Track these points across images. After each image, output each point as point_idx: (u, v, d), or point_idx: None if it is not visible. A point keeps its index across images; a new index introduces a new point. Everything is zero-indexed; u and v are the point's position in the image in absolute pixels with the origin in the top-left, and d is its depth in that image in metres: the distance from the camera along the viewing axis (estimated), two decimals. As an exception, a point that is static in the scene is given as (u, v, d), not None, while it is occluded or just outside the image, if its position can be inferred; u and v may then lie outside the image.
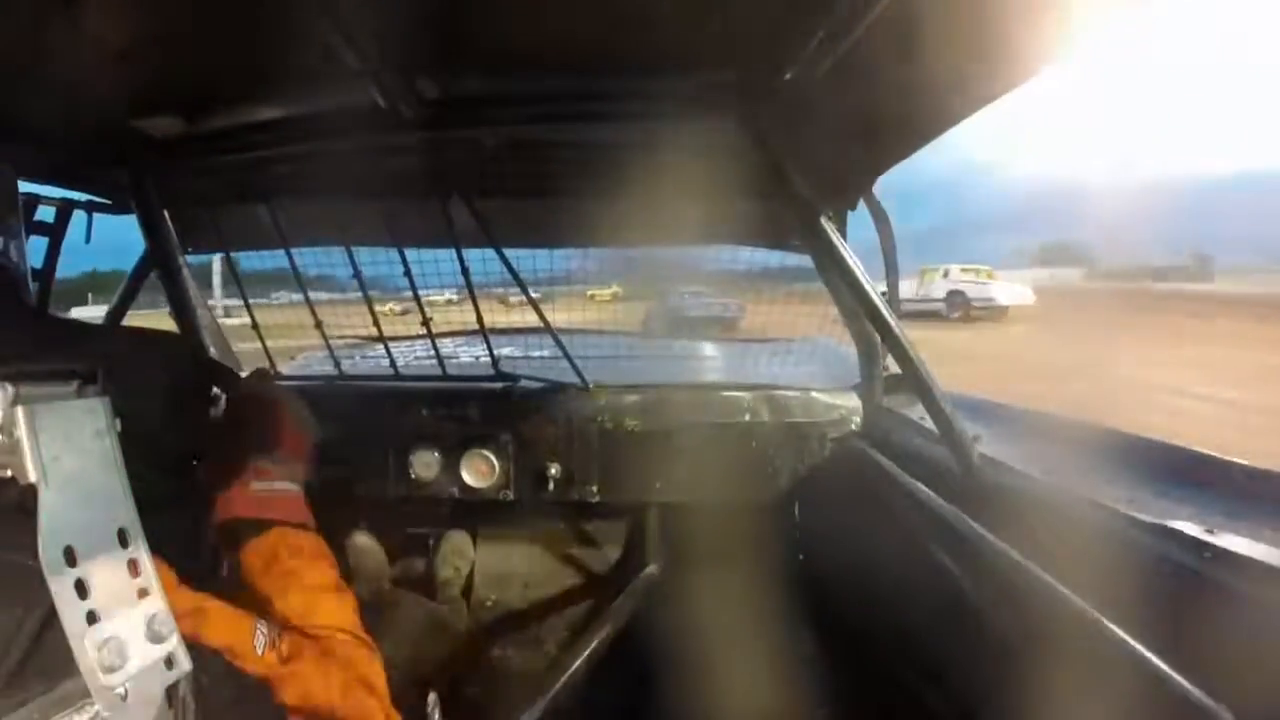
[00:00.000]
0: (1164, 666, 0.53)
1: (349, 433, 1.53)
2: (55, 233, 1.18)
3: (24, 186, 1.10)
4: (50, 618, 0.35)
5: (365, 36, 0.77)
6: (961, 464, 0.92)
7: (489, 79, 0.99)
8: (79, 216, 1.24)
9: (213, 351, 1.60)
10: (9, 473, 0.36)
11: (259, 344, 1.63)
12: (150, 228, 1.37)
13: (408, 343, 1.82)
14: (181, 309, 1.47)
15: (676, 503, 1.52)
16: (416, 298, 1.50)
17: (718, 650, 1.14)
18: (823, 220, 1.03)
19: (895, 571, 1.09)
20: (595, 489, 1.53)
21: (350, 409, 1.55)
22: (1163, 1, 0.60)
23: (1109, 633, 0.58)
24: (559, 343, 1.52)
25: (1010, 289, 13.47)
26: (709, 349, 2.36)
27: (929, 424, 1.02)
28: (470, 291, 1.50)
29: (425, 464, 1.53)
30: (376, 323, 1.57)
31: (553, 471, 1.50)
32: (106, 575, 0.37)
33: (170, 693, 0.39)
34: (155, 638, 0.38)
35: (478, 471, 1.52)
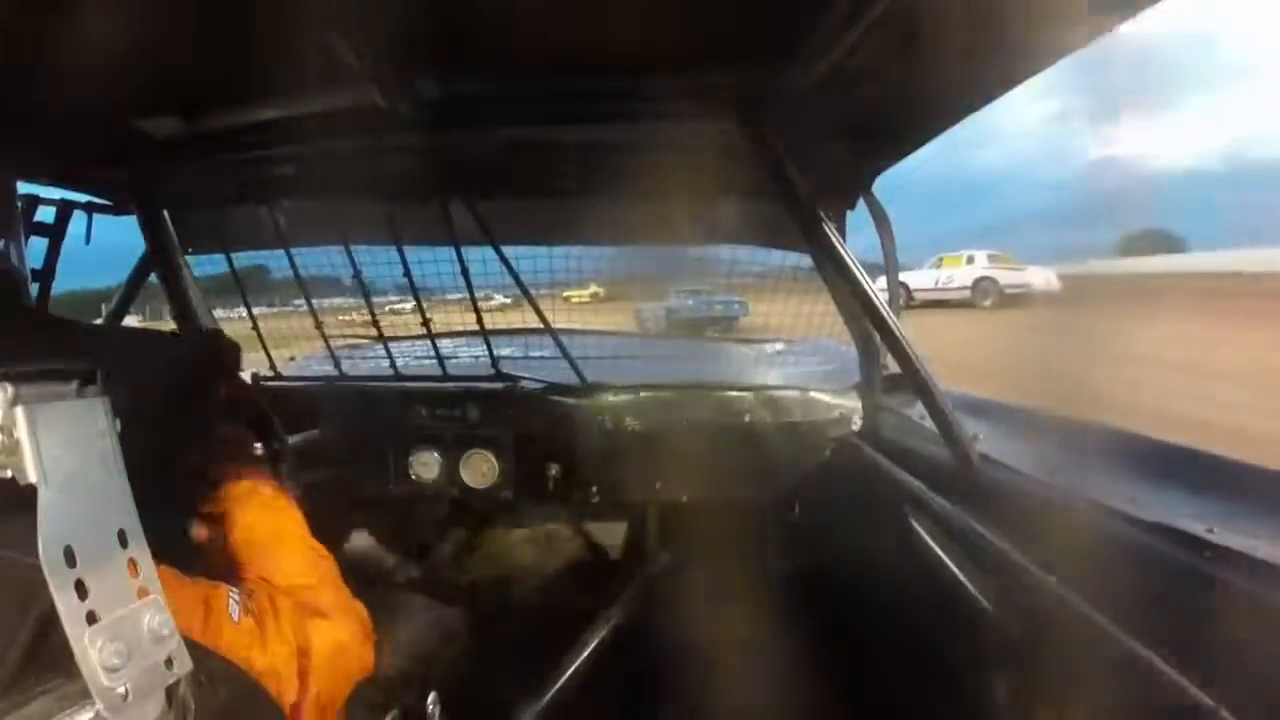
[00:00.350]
0: (1164, 666, 0.53)
1: (349, 433, 1.54)
2: (55, 233, 1.18)
3: (24, 187, 1.11)
4: (50, 617, 0.35)
5: (365, 36, 0.77)
6: (961, 463, 0.92)
7: (489, 79, 0.99)
8: (79, 217, 1.24)
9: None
10: (9, 473, 0.36)
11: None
12: (150, 228, 1.37)
13: (408, 343, 1.82)
14: (182, 310, 1.47)
15: (676, 503, 1.52)
16: (416, 298, 1.50)
17: (718, 650, 1.14)
18: (823, 220, 1.03)
19: (895, 571, 1.09)
20: (595, 489, 1.53)
21: (350, 409, 1.55)
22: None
23: (1109, 632, 0.58)
24: (559, 343, 1.52)
25: (1042, 274, 13.06)
26: (709, 349, 2.36)
27: (929, 424, 1.02)
28: (470, 291, 1.50)
29: (425, 464, 1.53)
30: (376, 323, 1.57)
31: (553, 471, 1.50)
32: (106, 575, 0.37)
33: (170, 693, 0.39)
34: (155, 638, 0.38)
35: (478, 472, 1.52)
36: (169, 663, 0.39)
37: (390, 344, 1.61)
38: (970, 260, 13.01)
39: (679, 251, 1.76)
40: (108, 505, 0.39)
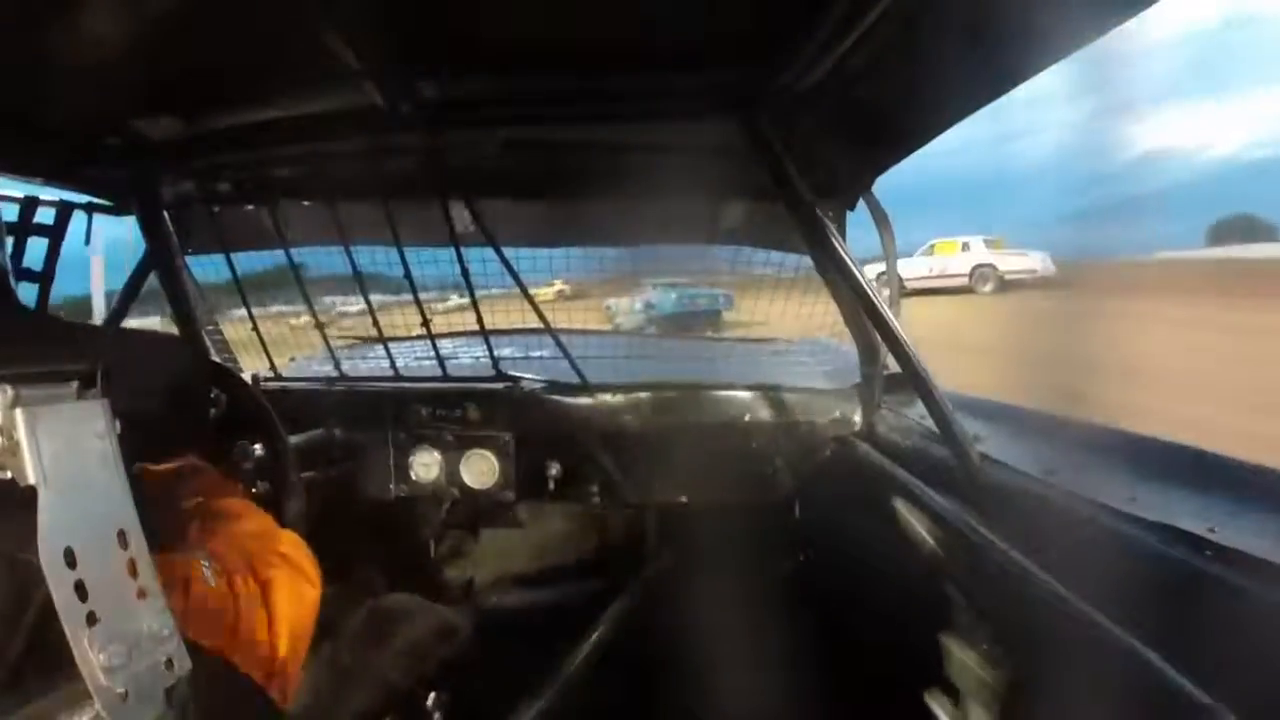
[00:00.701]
0: (1164, 666, 0.53)
1: (349, 433, 1.54)
2: (55, 234, 1.18)
3: (24, 187, 1.11)
4: (49, 618, 0.35)
5: (365, 36, 0.77)
6: (961, 463, 0.92)
7: (489, 79, 0.99)
8: (79, 217, 1.24)
9: (213, 353, 1.61)
10: (9, 474, 0.37)
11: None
12: (150, 228, 1.37)
13: (408, 343, 1.82)
14: (182, 310, 1.47)
15: (676, 503, 1.52)
16: (416, 298, 1.50)
17: (718, 650, 1.14)
18: (823, 220, 1.03)
19: (895, 571, 1.09)
20: (595, 489, 1.53)
21: (350, 409, 1.55)
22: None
23: (1109, 632, 0.58)
24: (559, 343, 1.52)
25: (1041, 259, 11.99)
26: (708, 349, 2.36)
27: (929, 423, 1.02)
28: (470, 291, 1.50)
29: (425, 464, 1.53)
30: (376, 323, 1.57)
31: (553, 471, 1.50)
32: (106, 576, 0.37)
33: (170, 693, 0.39)
34: (155, 638, 0.38)
35: (478, 472, 1.52)
36: (169, 663, 0.39)
37: (390, 344, 1.60)
38: (966, 247, 12.73)
39: (678, 251, 1.76)
40: (108, 506, 0.39)
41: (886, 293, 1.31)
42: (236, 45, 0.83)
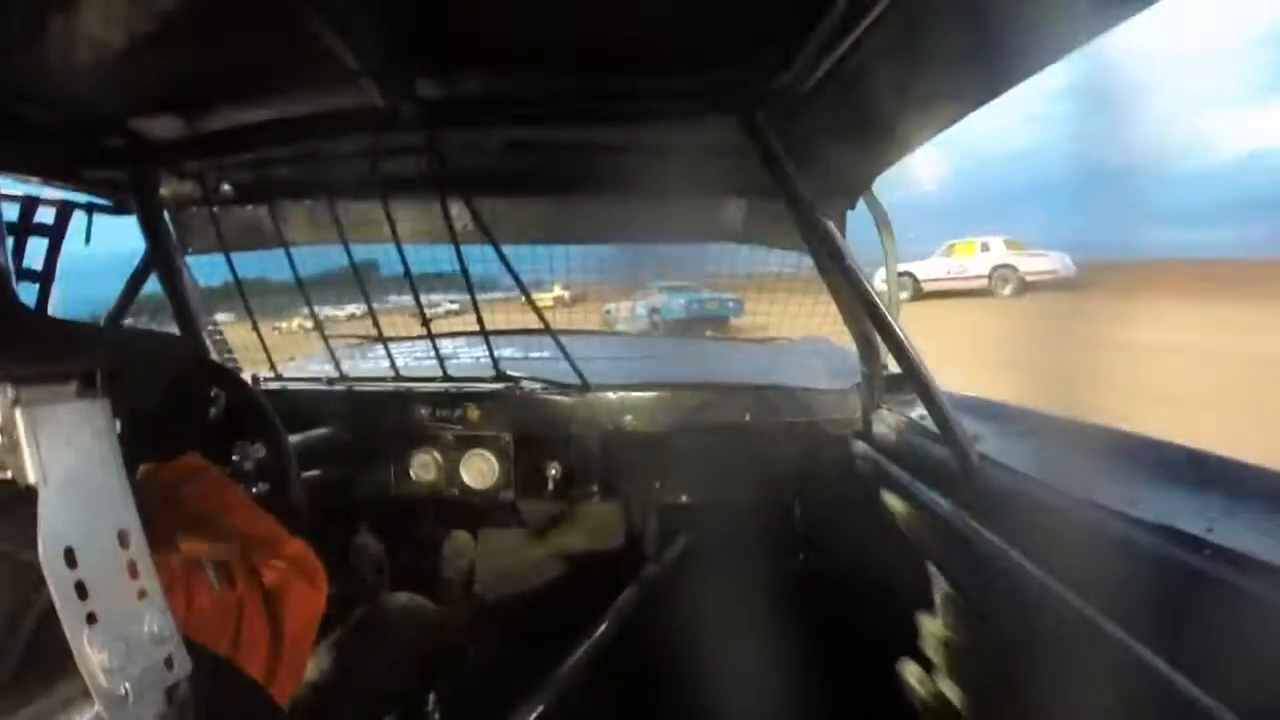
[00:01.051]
0: (1164, 666, 0.53)
1: (349, 433, 1.54)
2: (55, 234, 1.17)
3: (24, 187, 1.11)
4: (50, 618, 0.35)
5: (365, 37, 0.77)
6: (961, 463, 0.92)
7: (489, 79, 0.99)
8: (79, 217, 1.24)
9: (213, 353, 1.61)
10: (9, 473, 0.37)
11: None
12: (150, 228, 1.37)
13: (408, 343, 1.82)
14: (182, 310, 1.47)
15: (676, 503, 1.53)
16: (416, 298, 1.50)
17: (718, 650, 1.14)
18: (823, 220, 1.03)
19: (895, 571, 1.09)
20: (595, 489, 1.53)
21: (350, 410, 1.55)
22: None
23: (1109, 632, 0.58)
24: (559, 343, 1.52)
25: (1063, 259, 11.43)
26: (708, 349, 2.36)
27: (929, 423, 1.02)
28: (470, 291, 1.50)
29: (425, 465, 1.53)
30: (376, 323, 1.57)
31: (553, 472, 1.50)
32: (107, 577, 0.37)
33: (170, 693, 0.39)
34: (155, 639, 0.38)
35: (478, 472, 1.52)
36: (169, 663, 0.39)
37: (390, 344, 1.61)
38: (985, 247, 12.16)
39: (679, 251, 1.76)
40: (108, 506, 0.39)
41: (889, 289, 1.31)
42: (236, 45, 0.83)
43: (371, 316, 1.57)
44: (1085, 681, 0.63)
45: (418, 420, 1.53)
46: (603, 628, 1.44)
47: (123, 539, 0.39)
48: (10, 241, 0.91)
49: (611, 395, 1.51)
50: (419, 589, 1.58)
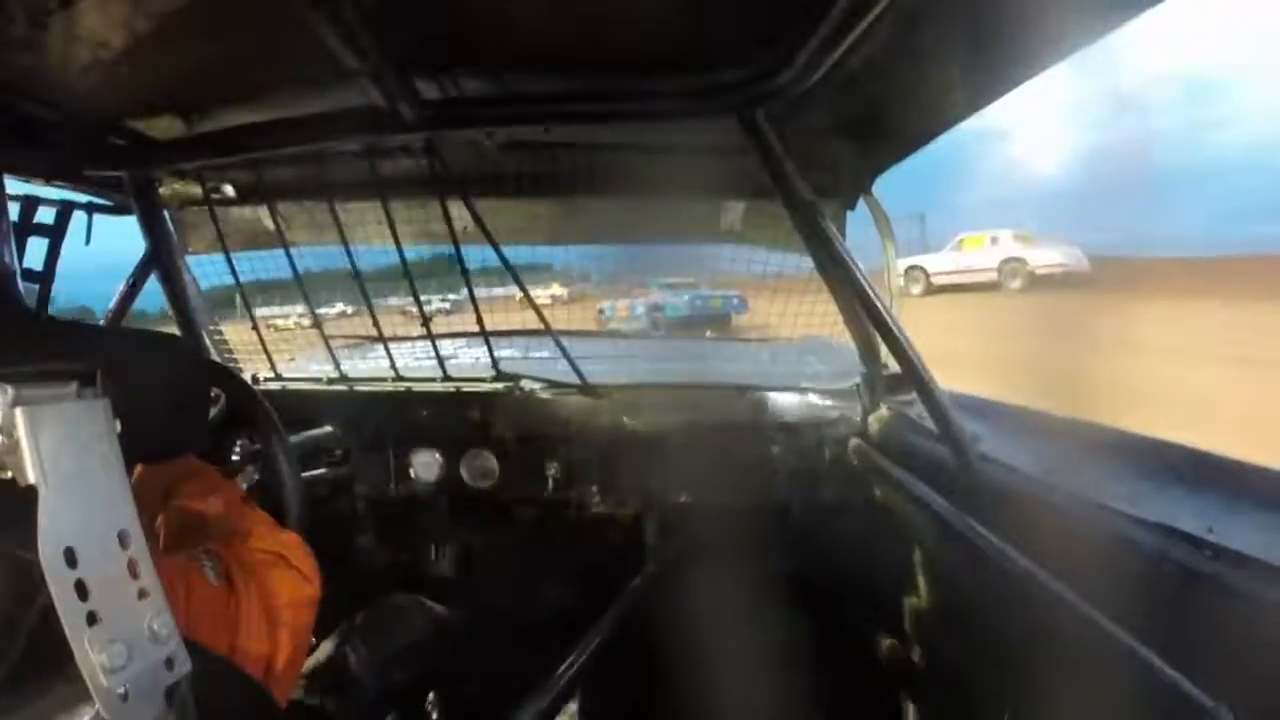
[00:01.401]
0: (1164, 666, 0.53)
1: (349, 433, 1.54)
2: (55, 234, 1.18)
3: (24, 187, 1.11)
4: (50, 618, 0.35)
5: (365, 37, 0.77)
6: (961, 463, 0.92)
7: (489, 79, 0.99)
8: (79, 217, 1.24)
9: (212, 353, 1.61)
10: (9, 474, 0.37)
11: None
12: (150, 229, 1.37)
13: (408, 343, 1.82)
14: (181, 310, 1.47)
15: (676, 503, 1.52)
16: (416, 298, 1.50)
17: (717, 650, 1.14)
18: (823, 220, 1.03)
19: (895, 571, 1.09)
20: (595, 489, 1.53)
21: (350, 410, 1.55)
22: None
23: (1109, 632, 0.58)
24: (559, 343, 1.52)
25: (1073, 252, 11.10)
26: (708, 349, 2.36)
27: (928, 423, 1.02)
28: (470, 292, 1.50)
29: (425, 465, 1.53)
30: (376, 323, 1.57)
31: (552, 472, 1.50)
32: (107, 577, 0.37)
33: (170, 693, 0.39)
34: (155, 639, 0.38)
35: (478, 472, 1.52)
36: (169, 663, 0.39)
37: (390, 344, 1.60)
38: (994, 240, 11.72)
39: (678, 250, 1.76)
40: (108, 506, 0.39)
41: (889, 289, 1.31)
42: (237, 46, 0.83)
43: (371, 316, 1.56)
44: (1085, 681, 0.63)
45: (418, 420, 1.53)
46: (602, 628, 1.44)
47: (123, 539, 0.39)
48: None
49: (611, 395, 1.51)
50: (419, 589, 1.59)
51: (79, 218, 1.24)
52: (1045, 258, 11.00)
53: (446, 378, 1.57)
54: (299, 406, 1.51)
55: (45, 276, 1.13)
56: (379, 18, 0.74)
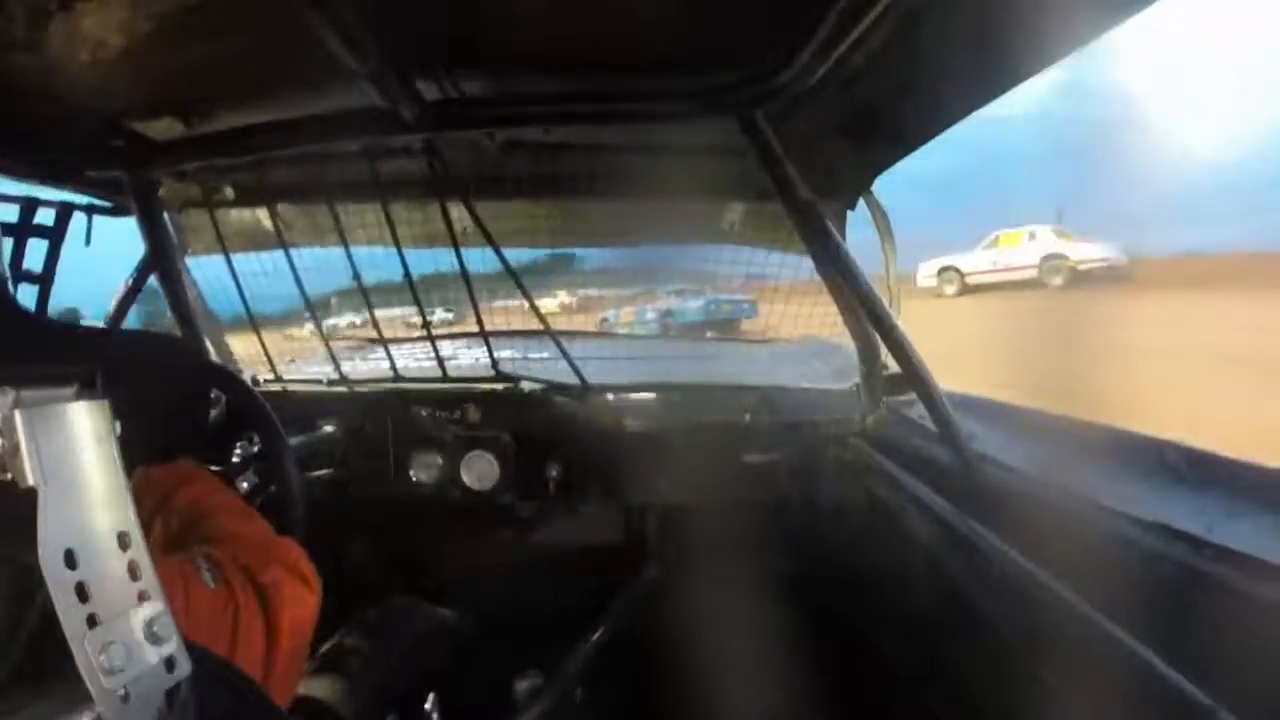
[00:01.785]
0: (1164, 666, 0.53)
1: (349, 434, 1.54)
2: (55, 235, 1.18)
3: (24, 187, 1.11)
4: (49, 620, 0.35)
5: (365, 38, 0.77)
6: (960, 463, 0.92)
7: (489, 80, 0.99)
8: (79, 218, 1.24)
9: (212, 354, 1.61)
10: (9, 475, 0.37)
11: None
12: (150, 230, 1.37)
13: (408, 344, 1.82)
14: (182, 312, 1.47)
15: (676, 503, 1.53)
16: (416, 299, 1.50)
17: (717, 650, 1.14)
18: (823, 220, 1.03)
19: (894, 571, 1.09)
20: (595, 489, 1.53)
21: (350, 410, 1.55)
22: None
23: (1109, 632, 0.58)
24: (559, 344, 1.52)
25: (1111, 248, 10.96)
26: (708, 349, 2.36)
27: (928, 423, 1.02)
28: (470, 292, 1.50)
29: (425, 466, 1.53)
30: (376, 324, 1.57)
31: (553, 472, 1.51)
32: (107, 578, 0.37)
33: (171, 695, 0.39)
34: (155, 640, 0.38)
35: (478, 473, 1.52)
36: (169, 665, 0.39)
37: (390, 345, 1.61)
38: (1032, 237, 11.39)
39: (679, 251, 1.76)
40: (108, 508, 0.39)
41: (890, 290, 1.31)
42: (236, 46, 0.83)
43: (371, 317, 1.56)
44: (1084, 681, 0.63)
45: (418, 421, 1.53)
46: (602, 628, 1.44)
47: (123, 541, 0.39)
48: (10, 243, 0.91)
49: (611, 396, 1.51)
50: (419, 590, 1.59)
51: (79, 219, 1.24)
52: (1087, 253, 10.69)
53: (446, 379, 1.57)
54: (299, 408, 1.51)
55: (45, 278, 1.13)
56: (379, 18, 0.74)
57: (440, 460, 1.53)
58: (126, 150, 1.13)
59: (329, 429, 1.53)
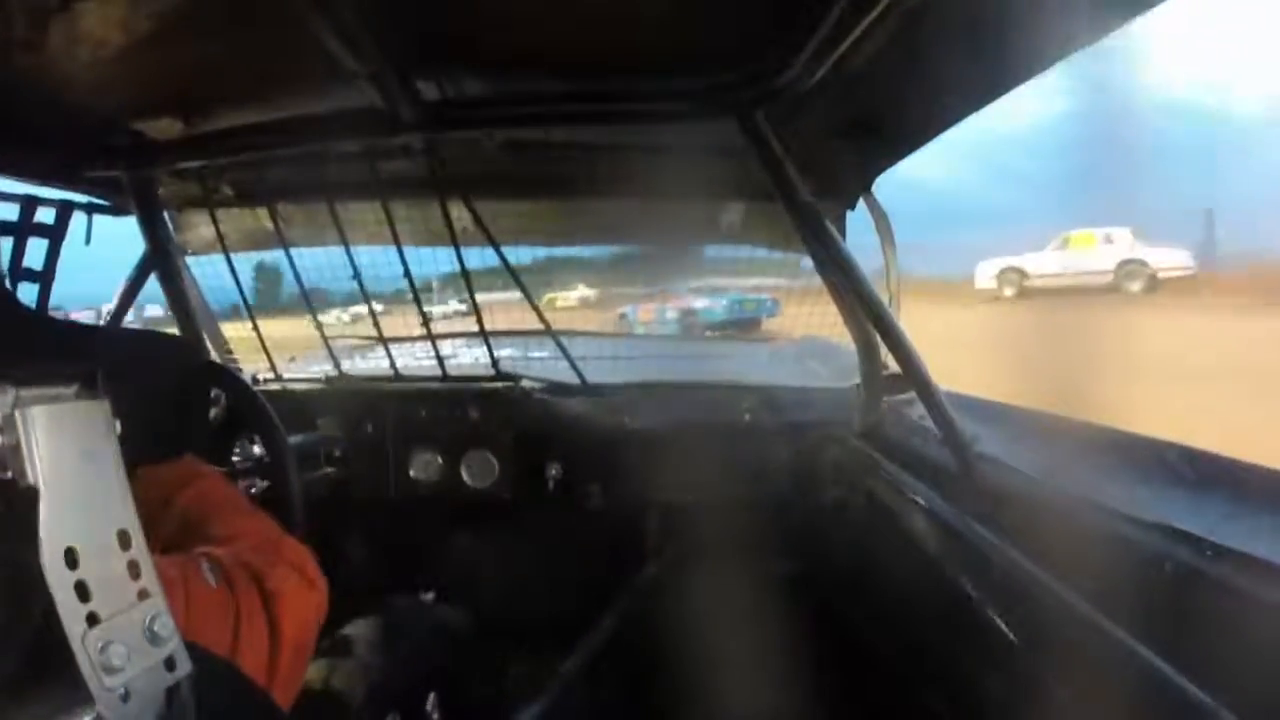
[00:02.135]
0: (1164, 666, 0.53)
1: (349, 433, 1.54)
2: (55, 234, 1.18)
3: (24, 187, 1.11)
4: (49, 619, 0.35)
5: (364, 38, 0.77)
6: (961, 464, 0.92)
7: (489, 80, 0.99)
8: (79, 217, 1.24)
9: (212, 353, 1.61)
10: (9, 474, 0.37)
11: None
12: (150, 229, 1.37)
13: (408, 343, 1.82)
14: (182, 310, 1.47)
15: (676, 503, 1.53)
16: (416, 298, 1.50)
17: (717, 650, 1.14)
18: (823, 220, 1.03)
19: (894, 571, 1.09)
20: (595, 489, 1.53)
21: (350, 410, 1.55)
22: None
23: (1109, 633, 0.58)
24: (559, 343, 1.52)
25: (1186, 255, 10.41)
26: (707, 349, 2.36)
27: (929, 424, 1.02)
28: (470, 292, 1.50)
29: (425, 464, 1.53)
30: (376, 323, 1.57)
31: (553, 472, 1.50)
32: (107, 578, 0.37)
33: (171, 694, 0.39)
34: (156, 640, 0.38)
35: (478, 472, 1.52)
36: (169, 664, 0.39)
37: (391, 344, 1.60)
38: (1108, 239, 10.52)
39: (680, 252, 1.76)
40: (108, 507, 0.39)
41: (891, 291, 1.31)
42: (236, 46, 0.83)
43: (371, 317, 1.57)
44: (1084, 681, 0.63)
45: (418, 420, 1.53)
46: (603, 627, 1.44)
47: (123, 540, 0.39)
48: (10, 242, 0.91)
49: (611, 395, 1.51)
50: (419, 589, 1.59)
51: (79, 218, 1.24)
52: (1167, 259, 10.08)
53: (446, 378, 1.57)
54: (299, 407, 1.51)
55: (45, 277, 1.13)
56: (379, 18, 0.74)
57: (440, 459, 1.53)
58: (126, 150, 1.13)
59: (329, 428, 1.52)
